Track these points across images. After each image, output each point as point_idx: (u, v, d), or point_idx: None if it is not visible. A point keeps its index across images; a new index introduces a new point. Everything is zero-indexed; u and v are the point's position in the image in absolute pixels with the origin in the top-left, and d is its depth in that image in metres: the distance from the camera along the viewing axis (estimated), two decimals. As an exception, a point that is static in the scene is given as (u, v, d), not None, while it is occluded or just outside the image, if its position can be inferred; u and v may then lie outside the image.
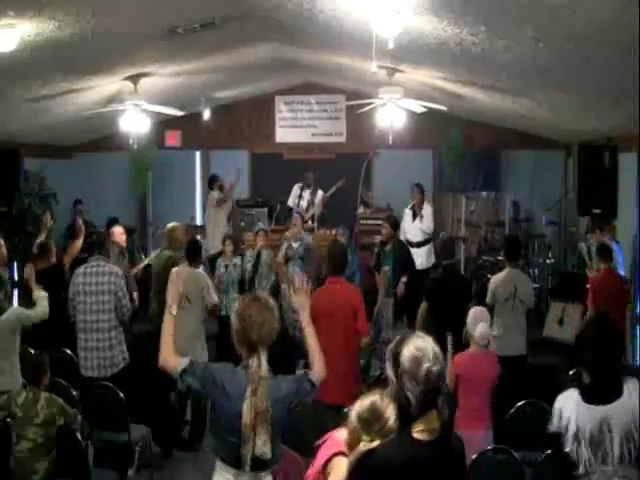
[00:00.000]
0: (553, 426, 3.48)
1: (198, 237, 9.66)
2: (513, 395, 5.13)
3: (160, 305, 7.07)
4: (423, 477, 2.60)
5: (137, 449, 5.48)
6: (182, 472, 6.29)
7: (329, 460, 2.79)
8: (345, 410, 4.83)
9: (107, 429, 5.41)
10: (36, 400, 4.57)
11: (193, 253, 6.74)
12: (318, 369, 3.58)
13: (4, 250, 5.99)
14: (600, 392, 3.40)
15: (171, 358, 3.50)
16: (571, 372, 5.98)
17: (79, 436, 4.63)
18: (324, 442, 2.89)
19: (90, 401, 5.42)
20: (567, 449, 3.40)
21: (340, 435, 2.82)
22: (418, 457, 2.57)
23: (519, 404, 5.12)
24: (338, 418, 4.91)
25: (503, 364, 5.32)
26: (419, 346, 2.60)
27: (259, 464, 3.31)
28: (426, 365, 2.55)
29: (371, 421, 2.63)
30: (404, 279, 7.51)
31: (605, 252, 7.11)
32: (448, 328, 5.35)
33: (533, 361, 7.06)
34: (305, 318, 3.71)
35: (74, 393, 5.42)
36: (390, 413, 2.65)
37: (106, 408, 5.37)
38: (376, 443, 2.60)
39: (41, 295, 5.57)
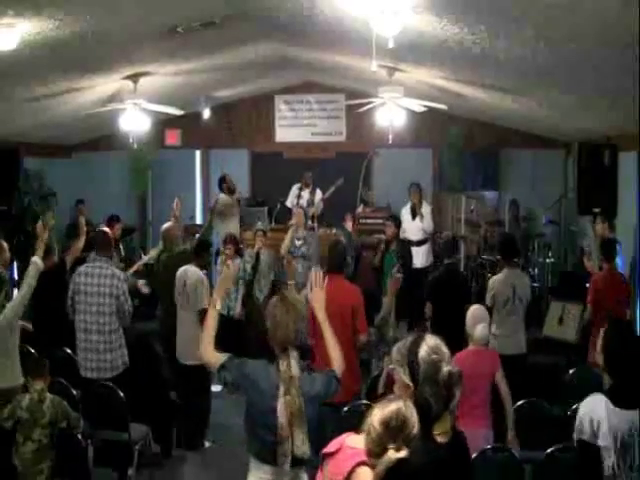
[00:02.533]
0: (585, 434, 3.39)
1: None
2: (513, 394, 5.13)
3: (163, 305, 7.11)
4: (449, 478, 2.61)
5: (137, 448, 5.48)
6: (182, 471, 6.30)
7: (352, 471, 2.67)
8: (345, 410, 4.85)
9: (107, 428, 5.41)
10: (42, 400, 4.58)
11: (201, 253, 6.75)
12: (338, 363, 3.63)
13: (7, 254, 5.95)
14: (628, 395, 3.37)
15: (211, 353, 3.57)
16: (571, 371, 5.99)
17: (79, 435, 4.64)
18: (338, 451, 2.76)
19: (90, 400, 5.42)
20: (604, 453, 3.34)
21: (353, 443, 2.72)
22: (444, 460, 2.58)
23: (519, 403, 5.12)
24: (338, 417, 4.93)
25: (503, 363, 5.32)
26: (434, 348, 2.56)
27: (298, 462, 3.36)
28: (446, 368, 2.53)
29: (399, 428, 2.57)
30: (399, 275, 7.45)
31: (609, 249, 6.98)
32: (449, 327, 5.35)
33: (533, 360, 7.05)
34: (321, 314, 3.77)
35: (74, 393, 5.42)
36: (415, 419, 2.60)
37: (106, 407, 5.37)
38: (405, 451, 2.54)
39: (32, 267, 5.34)
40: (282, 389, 3.33)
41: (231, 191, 10.36)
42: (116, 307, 5.72)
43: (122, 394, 5.33)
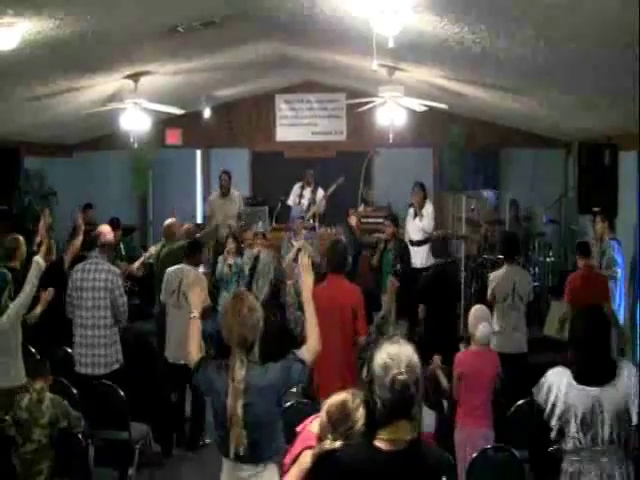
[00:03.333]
0: (540, 397, 3.56)
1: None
2: (514, 394, 5.13)
3: (162, 305, 7.10)
4: None
5: (137, 448, 5.49)
6: (182, 471, 6.30)
7: (299, 454, 2.81)
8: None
9: (108, 428, 5.42)
10: (41, 400, 4.58)
11: (192, 252, 6.73)
12: (312, 343, 3.64)
13: (24, 248, 5.95)
14: (592, 374, 3.47)
15: (194, 358, 3.67)
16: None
17: (79, 434, 4.64)
18: (302, 432, 2.88)
19: (91, 399, 5.43)
20: (552, 424, 3.49)
21: (314, 427, 2.81)
22: (375, 466, 2.43)
23: (519, 402, 5.12)
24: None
25: (503, 361, 5.32)
26: (392, 353, 2.45)
27: (240, 458, 3.40)
28: (394, 373, 2.39)
29: (339, 420, 2.61)
30: (395, 281, 7.41)
31: (583, 247, 7.17)
32: (441, 327, 5.37)
33: (533, 360, 7.05)
34: (307, 296, 3.80)
35: (74, 392, 5.42)
36: (359, 415, 2.60)
37: (107, 407, 5.38)
38: (337, 443, 2.57)
39: (34, 266, 5.42)
40: (230, 390, 3.39)
41: (224, 193, 10.34)
42: (110, 301, 5.74)
43: (122, 393, 5.33)
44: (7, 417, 4.58)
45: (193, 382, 3.69)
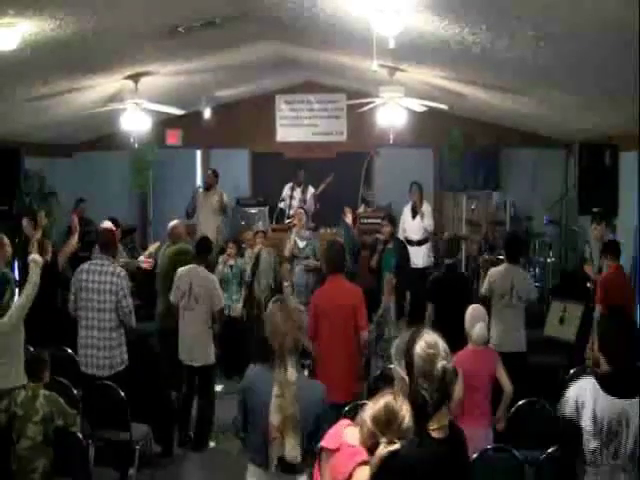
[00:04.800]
0: (568, 410, 3.44)
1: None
2: (514, 394, 5.13)
3: (163, 305, 7.10)
4: (444, 474, 2.61)
5: (138, 448, 5.48)
6: (183, 471, 6.30)
7: (353, 471, 2.67)
8: (347, 409, 4.85)
9: (108, 428, 5.42)
10: (35, 397, 4.58)
11: (203, 252, 6.72)
12: None
13: (8, 249, 5.96)
14: (621, 384, 3.37)
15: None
16: (572, 371, 5.99)
17: (80, 435, 4.64)
18: (338, 449, 2.75)
19: (91, 400, 5.43)
20: (587, 436, 3.36)
21: (352, 439, 2.71)
22: (439, 455, 2.57)
23: (520, 403, 5.12)
24: (338, 417, 4.92)
25: (502, 361, 5.32)
26: (431, 343, 2.56)
27: (287, 467, 3.35)
28: (441, 363, 2.52)
29: (388, 422, 2.57)
30: (392, 278, 7.38)
31: (612, 249, 6.93)
32: (451, 328, 5.33)
33: (533, 360, 7.05)
34: None
35: (75, 392, 5.42)
36: (405, 412, 2.59)
37: (107, 407, 5.37)
38: (397, 444, 2.55)
39: (32, 265, 5.39)
40: (276, 391, 3.35)
41: (207, 188, 10.40)
42: (116, 303, 5.74)
43: (123, 394, 5.33)
44: (2, 408, 4.58)
45: (239, 388, 3.62)
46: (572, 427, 3.41)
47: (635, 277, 7.86)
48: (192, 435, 6.55)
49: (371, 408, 2.63)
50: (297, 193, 10.52)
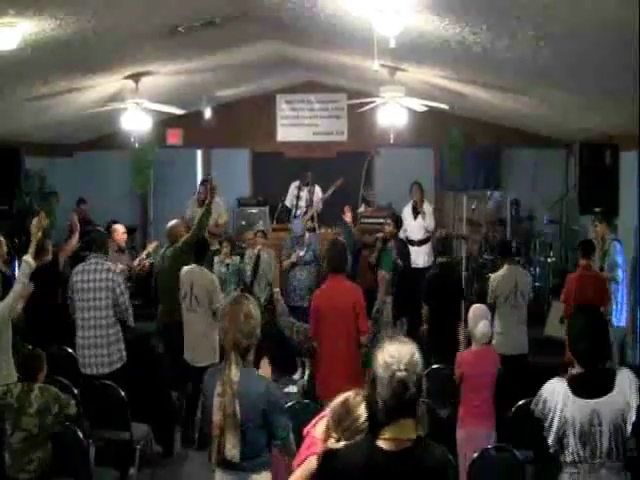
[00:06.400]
0: (537, 411, 3.47)
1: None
2: (514, 394, 5.13)
3: (165, 304, 7.09)
4: None
5: (138, 448, 5.49)
6: (183, 471, 6.30)
7: (304, 460, 2.79)
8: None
9: (108, 427, 5.42)
10: (30, 390, 4.58)
11: (201, 252, 6.71)
12: None
13: (4, 248, 5.96)
14: (590, 386, 3.38)
15: None
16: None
17: (80, 434, 4.64)
18: (306, 437, 2.85)
19: (91, 399, 5.43)
20: (550, 439, 3.39)
21: (318, 430, 2.80)
22: (376, 466, 2.42)
23: (520, 403, 5.12)
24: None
25: (504, 362, 5.32)
26: (394, 352, 2.44)
27: (230, 466, 3.37)
28: (396, 371, 2.39)
29: (342, 417, 2.60)
30: (387, 276, 7.35)
31: (586, 248, 7.09)
32: (445, 326, 5.34)
33: (534, 360, 7.06)
34: None
35: (75, 391, 5.42)
36: (361, 412, 2.60)
37: (107, 406, 5.38)
38: (340, 443, 2.56)
39: (24, 265, 5.30)
40: (218, 390, 3.38)
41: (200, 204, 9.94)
42: (112, 301, 5.74)
43: (123, 393, 5.33)
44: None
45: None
46: (541, 426, 3.43)
47: (635, 277, 7.86)
48: (196, 436, 6.55)
49: (334, 401, 2.66)
50: (304, 193, 10.50)
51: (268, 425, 3.42)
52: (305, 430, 3.05)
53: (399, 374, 2.38)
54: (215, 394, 3.40)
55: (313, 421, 3.00)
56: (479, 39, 5.43)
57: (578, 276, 7.00)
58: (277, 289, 6.88)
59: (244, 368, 3.45)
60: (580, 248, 7.19)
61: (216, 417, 3.36)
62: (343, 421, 2.60)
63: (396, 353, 2.43)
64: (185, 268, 6.59)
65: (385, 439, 2.41)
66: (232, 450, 3.32)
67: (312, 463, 2.68)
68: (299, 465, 2.88)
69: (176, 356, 6.55)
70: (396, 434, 2.40)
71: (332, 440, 2.60)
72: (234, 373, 3.39)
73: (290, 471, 3.06)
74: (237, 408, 3.33)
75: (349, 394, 2.69)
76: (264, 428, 3.43)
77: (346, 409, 2.62)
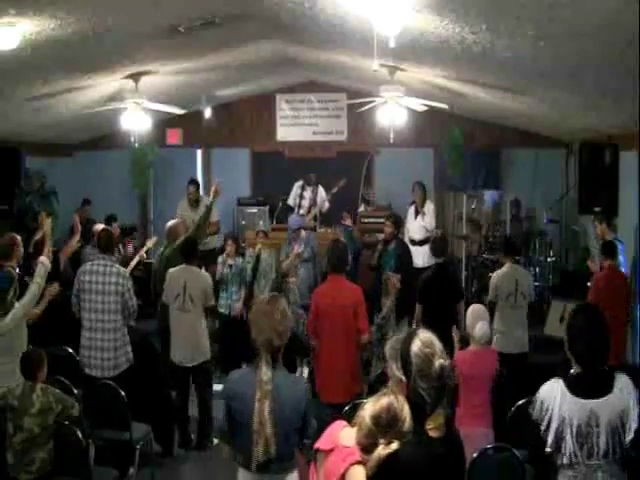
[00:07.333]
0: (534, 414, 3.44)
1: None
2: (514, 393, 5.13)
3: (162, 305, 7.09)
4: (442, 473, 2.62)
5: (138, 448, 5.49)
6: (183, 471, 6.31)
7: (346, 471, 2.66)
8: (347, 409, 4.85)
9: (108, 427, 5.42)
10: (32, 390, 4.59)
11: (189, 252, 6.64)
12: None
13: (21, 249, 5.92)
14: (589, 386, 3.34)
15: None
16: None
17: (80, 434, 4.64)
18: (332, 450, 2.75)
19: (92, 400, 5.43)
20: (548, 440, 3.35)
21: (347, 441, 2.70)
22: (437, 454, 2.58)
23: (520, 402, 5.12)
24: (339, 416, 4.91)
25: (504, 361, 5.32)
26: (427, 342, 2.57)
27: (268, 468, 3.38)
28: (438, 361, 2.54)
29: (389, 423, 2.55)
30: (398, 277, 7.37)
31: (609, 249, 7.01)
32: (439, 328, 5.31)
33: (534, 359, 7.06)
34: None
35: (75, 392, 5.42)
36: (406, 414, 2.58)
37: (107, 407, 5.38)
38: (395, 445, 2.54)
39: (40, 267, 5.43)
40: (258, 394, 3.37)
41: (192, 204, 10.10)
42: (121, 305, 5.73)
43: (123, 393, 5.33)
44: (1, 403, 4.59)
45: (222, 392, 3.63)
46: (538, 429, 3.40)
47: (635, 277, 7.86)
48: (193, 436, 6.55)
49: (371, 408, 2.61)
50: (307, 193, 10.50)
51: (302, 425, 3.45)
52: (325, 444, 2.88)
53: (441, 362, 2.55)
54: (250, 397, 3.37)
55: (328, 435, 2.87)
56: (479, 39, 5.43)
57: (604, 275, 6.93)
58: (293, 278, 6.85)
59: (280, 370, 3.46)
60: (603, 250, 7.07)
61: (256, 420, 3.34)
62: (391, 426, 2.56)
63: (430, 343, 2.59)
64: (175, 269, 6.54)
65: (432, 428, 2.58)
66: (271, 453, 3.35)
67: (359, 471, 2.62)
68: (339, 475, 2.75)
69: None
70: (438, 421, 2.58)
71: (382, 446, 2.56)
72: (269, 375, 3.38)
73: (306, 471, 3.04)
74: (273, 410, 3.33)
75: (389, 400, 2.62)
76: (299, 429, 3.45)
77: (393, 415, 2.58)
